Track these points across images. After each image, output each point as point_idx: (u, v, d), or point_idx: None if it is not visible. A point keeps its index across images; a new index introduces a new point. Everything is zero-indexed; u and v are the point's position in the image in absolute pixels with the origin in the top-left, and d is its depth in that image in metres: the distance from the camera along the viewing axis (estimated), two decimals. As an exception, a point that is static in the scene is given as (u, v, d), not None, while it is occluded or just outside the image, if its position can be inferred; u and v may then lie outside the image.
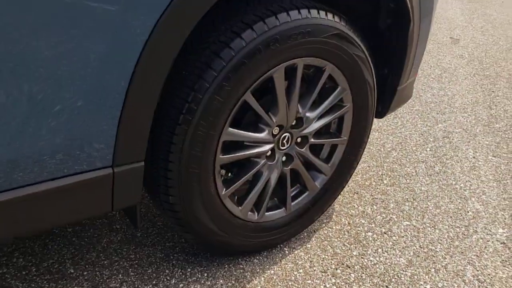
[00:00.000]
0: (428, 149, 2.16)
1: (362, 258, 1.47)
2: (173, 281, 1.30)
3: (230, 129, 1.17)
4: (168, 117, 1.06)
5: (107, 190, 1.00)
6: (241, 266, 1.39)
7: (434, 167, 2.01)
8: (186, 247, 1.43)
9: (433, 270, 1.45)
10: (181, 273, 1.33)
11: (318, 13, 1.19)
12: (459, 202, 1.79)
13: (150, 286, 1.28)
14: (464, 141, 2.26)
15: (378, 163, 2.00)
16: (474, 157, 2.13)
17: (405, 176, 1.93)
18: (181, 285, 1.29)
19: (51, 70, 0.82)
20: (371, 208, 1.70)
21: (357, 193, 1.78)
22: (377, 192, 1.80)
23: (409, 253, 1.51)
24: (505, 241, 1.60)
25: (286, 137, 1.31)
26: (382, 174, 1.92)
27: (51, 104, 0.84)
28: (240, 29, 1.08)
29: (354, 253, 1.48)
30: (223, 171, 1.27)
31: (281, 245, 1.48)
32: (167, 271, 1.33)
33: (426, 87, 2.89)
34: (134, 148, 0.99)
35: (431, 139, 2.25)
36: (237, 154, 1.22)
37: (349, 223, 1.61)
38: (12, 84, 0.79)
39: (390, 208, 1.72)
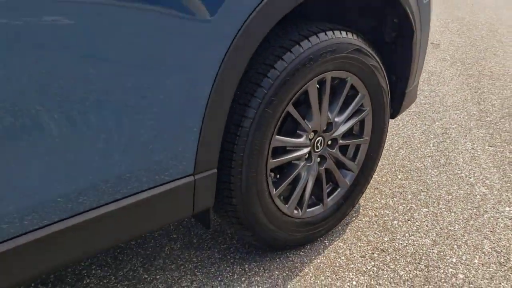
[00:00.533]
0: (431, 145, 2.39)
1: (393, 242, 1.66)
2: (235, 276, 1.48)
3: (277, 136, 1.37)
4: (229, 131, 1.26)
5: (190, 195, 1.19)
6: (290, 258, 1.57)
7: (440, 160, 2.23)
8: (238, 247, 1.61)
9: (455, 246, 1.65)
10: (240, 269, 1.51)
11: (340, 33, 1.40)
12: (467, 188, 2.01)
13: (217, 282, 1.45)
14: (461, 135, 2.49)
15: (390, 161, 2.22)
16: (472, 148, 2.36)
17: (416, 170, 2.14)
18: (243, 279, 1.47)
19: (153, 101, 1.02)
20: (392, 200, 1.91)
21: (377, 188, 1.99)
22: (394, 186, 2.01)
23: (432, 234, 1.71)
24: (513, 216, 1.82)
25: (320, 141, 1.52)
26: (395, 171, 2.13)
27: (153, 129, 1.04)
28: (281, 53, 1.29)
29: (385, 239, 1.68)
30: (271, 174, 1.47)
31: (321, 238, 1.67)
32: (227, 268, 1.51)
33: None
34: (209, 158, 1.19)
35: (432, 136, 2.48)
36: (283, 158, 1.42)
37: (375, 215, 1.81)
38: (126, 113, 0.98)
39: (408, 199, 1.92)
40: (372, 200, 1.90)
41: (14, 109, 0.85)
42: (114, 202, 1.08)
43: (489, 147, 2.38)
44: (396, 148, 2.34)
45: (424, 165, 2.19)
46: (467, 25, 5.11)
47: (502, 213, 1.84)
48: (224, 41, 1.09)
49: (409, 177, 2.08)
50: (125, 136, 1.01)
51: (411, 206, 1.87)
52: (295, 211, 1.53)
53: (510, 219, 1.81)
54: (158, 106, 1.03)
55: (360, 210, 1.83)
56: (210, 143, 1.17)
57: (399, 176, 2.09)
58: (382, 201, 1.90)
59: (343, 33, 1.41)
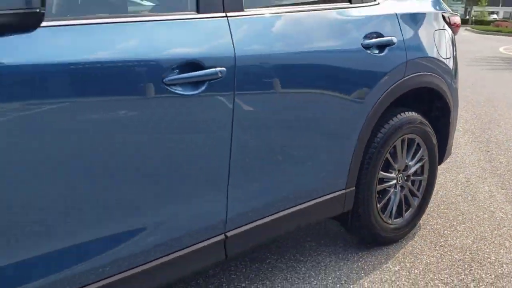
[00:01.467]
0: (459, 188, 3.37)
1: (446, 241, 2.60)
2: (361, 262, 2.42)
3: (381, 172, 2.38)
4: (362, 165, 2.26)
5: (341, 201, 2.17)
6: (384, 250, 2.51)
7: (467, 198, 3.21)
8: (358, 246, 2.55)
9: (486, 244, 2.59)
10: (367, 260, 2.45)
11: (411, 113, 2.45)
12: (489, 213, 2.96)
13: (358, 264, 2.39)
14: (480, 182, 3.48)
15: (433, 198, 3.19)
16: (489, 190, 3.34)
17: (452, 203, 3.11)
18: (369, 260, 2.41)
19: (331, 142, 2.04)
20: (440, 220, 2.87)
21: (429, 214, 2.95)
22: (439, 212, 2.97)
23: (471, 238, 2.65)
24: (522, 228, 2.77)
25: (401, 176, 2.52)
26: (438, 204, 3.11)
27: (332, 163, 2.05)
28: (384, 122, 2.32)
29: (441, 240, 2.62)
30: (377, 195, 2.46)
31: (400, 241, 2.61)
32: (357, 257, 2.45)
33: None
34: (352, 180, 2.19)
35: (459, 183, 3.47)
36: (383, 185, 2.42)
37: (430, 225, 2.77)
38: (320, 151, 2.01)
39: (450, 219, 2.88)
40: (427, 219, 2.86)
41: (272, 142, 1.87)
42: (309, 201, 2.06)
43: (502, 190, 3.36)
44: (436, 191, 3.33)
45: (457, 201, 3.16)
46: (471, 102, 6.26)
47: (515, 227, 2.80)
48: (368, 110, 2.12)
49: (448, 208, 3.05)
50: (319, 164, 2.02)
51: (452, 223, 2.83)
52: (389, 220, 2.50)
53: (520, 231, 2.76)
54: (334, 146, 2.05)
55: (422, 224, 2.79)
56: (354, 171, 2.18)
57: (441, 207, 3.05)
58: (434, 220, 2.86)
59: (413, 113, 2.47)
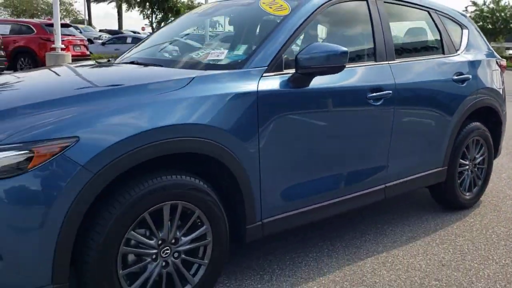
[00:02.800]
0: (502, 183, 4.68)
1: (506, 208, 3.91)
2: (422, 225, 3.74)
3: (460, 160, 3.73)
4: (450, 153, 3.60)
5: (440, 174, 3.52)
6: (461, 212, 3.82)
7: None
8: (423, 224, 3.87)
9: (529, 211, 3.90)
10: (450, 216, 3.77)
11: (478, 123, 3.82)
12: (528, 196, 4.27)
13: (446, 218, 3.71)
14: (519, 178, 4.80)
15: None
16: (526, 183, 4.65)
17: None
18: (453, 216, 3.73)
19: (431, 142, 3.41)
20: (492, 196, 4.18)
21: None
22: (493, 191, 4.29)
23: (517, 208, 3.97)
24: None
25: (471, 164, 3.86)
26: (491, 190, 4.42)
27: (433, 149, 3.43)
28: (463, 130, 3.69)
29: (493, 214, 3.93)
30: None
31: (469, 209, 3.92)
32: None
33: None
34: (446, 161, 3.54)
35: (502, 179, 4.78)
36: (461, 168, 3.77)
37: (489, 200, 4.08)
38: (426, 147, 3.38)
39: (500, 197, 4.19)
40: (485, 196, 4.17)
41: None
42: (427, 171, 3.41)
43: (535, 183, 4.66)
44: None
45: (503, 189, 4.47)
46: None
47: (547, 204, 4.10)
48: (455, 120, 3.49)
49: (498, 192, 4.36)
50: (431, 151, 3.39)
51: (502, 200, 4.14)
52: (464, 192, 3.82)
53: (551, 205, 4.06)
54: (437, 141, 3.41)
55: (482, 199, 4.10)
56: (446, 157, 3.53)
57: (493, 191, 4.36)
58: (489, 198, 4.17)
59: (479, 123, 3.83)
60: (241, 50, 2.71)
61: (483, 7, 36.34)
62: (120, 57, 3.31)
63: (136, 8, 16.40)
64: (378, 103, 2.92)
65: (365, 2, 3.11)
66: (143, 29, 44.26)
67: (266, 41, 2.53)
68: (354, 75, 2.84)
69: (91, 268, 1.92)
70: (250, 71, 2.40)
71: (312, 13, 2.73)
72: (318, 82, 2.58)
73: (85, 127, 1.88)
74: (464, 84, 3.56)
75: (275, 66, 2.47)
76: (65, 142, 1.81)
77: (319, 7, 2.79)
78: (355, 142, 2.88)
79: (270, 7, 2.83)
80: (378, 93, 2.91)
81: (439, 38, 3.63)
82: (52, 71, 2.92)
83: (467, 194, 3.87)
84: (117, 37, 22.24)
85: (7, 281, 1.80)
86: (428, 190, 3.83)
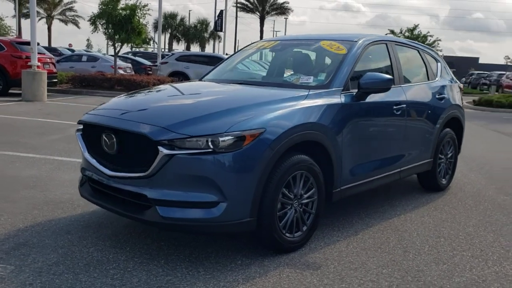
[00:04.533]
0: (469, 167, 6.33)
1: (468, 185, 5.50)
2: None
3: (439, 154, 5.28)
4: (435, 147, 5.13)
5: (428, 164, 5.04)
6: (437, 194, 5.36)
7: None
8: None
9: None
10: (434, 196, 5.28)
11: (450, 129, 5.40)
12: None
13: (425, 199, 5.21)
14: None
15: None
16: None
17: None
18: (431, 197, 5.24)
19: (423, 137, 4.93)
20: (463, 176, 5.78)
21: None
22: (458, 174, 5.89)
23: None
24: None
25: (444, 157, 5.43)
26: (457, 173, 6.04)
27: (424, 144, 4.94)
28: (442, 131, 5.25)
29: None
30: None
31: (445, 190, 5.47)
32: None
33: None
34: (432, 154, 5.06)
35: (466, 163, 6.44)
36: (441, 160, 5.31)
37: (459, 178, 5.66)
38: (418, 141, 4.89)
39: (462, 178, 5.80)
40: (456, 179, 5.76)
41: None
42: (421, 161, 4.90)
43: (472, 171, 6.34)
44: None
45: (467, 172, 6.09)
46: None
47: None
48: (439, 124, 5.03)
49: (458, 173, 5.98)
50: (410, 148, 4.89)
51: (464, 180, 5.74)
52: (443, 179, 5.36)
53: None
54: (427, 139, 4.92)
55: (455, 178, 5.68)
56: (432, 151, 5.05)
57: (459, 175, 5.97)
58: (461, 177, 5.76)
59: (450, 129, 5.42)
60: (322, 76, 4.02)
61: (399, 35, 40.91)
62: (208, 77, 4.57)
63: (101, 29, 17.06)
64: (398, 113, 4.36)
65: (384, 45, 4.57)
66: (70, 45, 44.63)
67: (339, 71, 3.88)
68: (386, 94, 4.26)
69: (266, 209, 3.13)
70: (334, 90, 3.74)
71: (361, 52, 4.13)
72: (370, 98, 3.97)
73: (267, 122, 3.13)
74: (443, 101, 5.13)
75: (346, 87, 3.83)
76: (259, 131, 3.04)
77: (363, 48, 4.19)
78: (389, 138, 4.31)
79: (331, 48, 4.20)
80: (398, 106, 4.35)
81: (425, 68, 5.19)
82: (216, 87, 4.20)
83: (443, 180, 5.42)
84: (72, 55, 22.74)
85: (228, 215, 2.98)
86: (417, 178, 5.33)
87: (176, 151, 2.93)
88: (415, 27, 46.33)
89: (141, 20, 17.20)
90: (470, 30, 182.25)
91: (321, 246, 3.57)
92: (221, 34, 47.69)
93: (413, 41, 5.07)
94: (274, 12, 55.08)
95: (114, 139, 3.16)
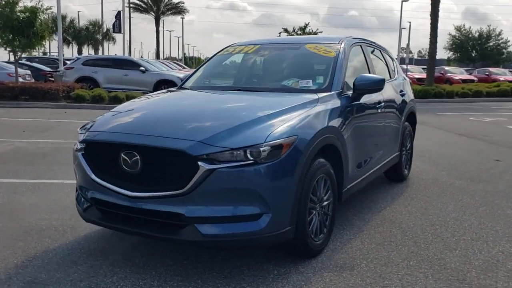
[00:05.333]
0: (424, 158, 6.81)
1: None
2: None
3: (403, 147, 5.62)
4: (401, 142, 5.46)
5: (397, 158, 5.35)
6: (404, 183, 5.71)
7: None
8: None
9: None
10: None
11: (408, 123, 5.78)
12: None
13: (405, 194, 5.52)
14: (417, 160, 6.99)
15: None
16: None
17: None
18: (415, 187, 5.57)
19: (391, 136, 5.23)
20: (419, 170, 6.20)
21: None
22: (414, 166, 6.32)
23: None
24: None
25: (405, 149, 5.79)
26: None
27: (393, 142, 5.24)
28: (406, 127, 5.60)
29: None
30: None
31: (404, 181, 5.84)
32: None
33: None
34: (399, 148, 5.38)
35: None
36: (403, 153, 5.66)
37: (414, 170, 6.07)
38: (387, 140, 5.19)
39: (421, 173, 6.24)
40: (413, 170, 6.17)
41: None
42: (392, 155, 5.19)
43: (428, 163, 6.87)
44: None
45: (423, 163, 6.55)
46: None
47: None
48: (403, 120, 5.36)
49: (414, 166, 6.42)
50: (387, 143, 5.18)
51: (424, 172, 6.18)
52: (405, 170, 5.71)
53: (447, 174, 6.23)
54: (395, 135, 5.22)
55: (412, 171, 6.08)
56: (399, 145, 5.37)
57: (414, 166, 6.40)
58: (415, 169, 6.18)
59: (408, 123, 5.81)
60: (320, 80, 4.05)
61: (293, 33, 43.11)
62: (193, 84, 4.44)
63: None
64: (379, 111, 4.58)
65: (359, 46, 4.75)
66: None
67: (335, 74, 3.96)
68: (371, 94, 4.45)
69: (301, 216, 3.12)
70: (334, 93, 3.82)
71: (348, 54, 4.26)
72: (363, 99, 4.12)
73: (297, 129, 3.11)
74: (404, 97, 5.48)
75: (343, 89, 3.93)
76: (293, 138, 3.02)
77: (348, 50, 4.33)
78: (375, 135, 4.53)
79: (319, 51, 4.28)
80: (379, 104, 4.57)
81: (387, 67, 5.49)
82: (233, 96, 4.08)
83: (405, 170, 5.79)
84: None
85: (271, 227, 2.91)
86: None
87: (216, 165, 2.81)
88: (306, 25, 49.21)
89: (43, 24, 15.96)
90: (348, 27, 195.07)
91: (340, 246, 3.64)
92: (116, 35, 45.94)
93: (373, 41, 5.33)
94: (169, 12, 54.18)
95: (138, 157, 2.94)
